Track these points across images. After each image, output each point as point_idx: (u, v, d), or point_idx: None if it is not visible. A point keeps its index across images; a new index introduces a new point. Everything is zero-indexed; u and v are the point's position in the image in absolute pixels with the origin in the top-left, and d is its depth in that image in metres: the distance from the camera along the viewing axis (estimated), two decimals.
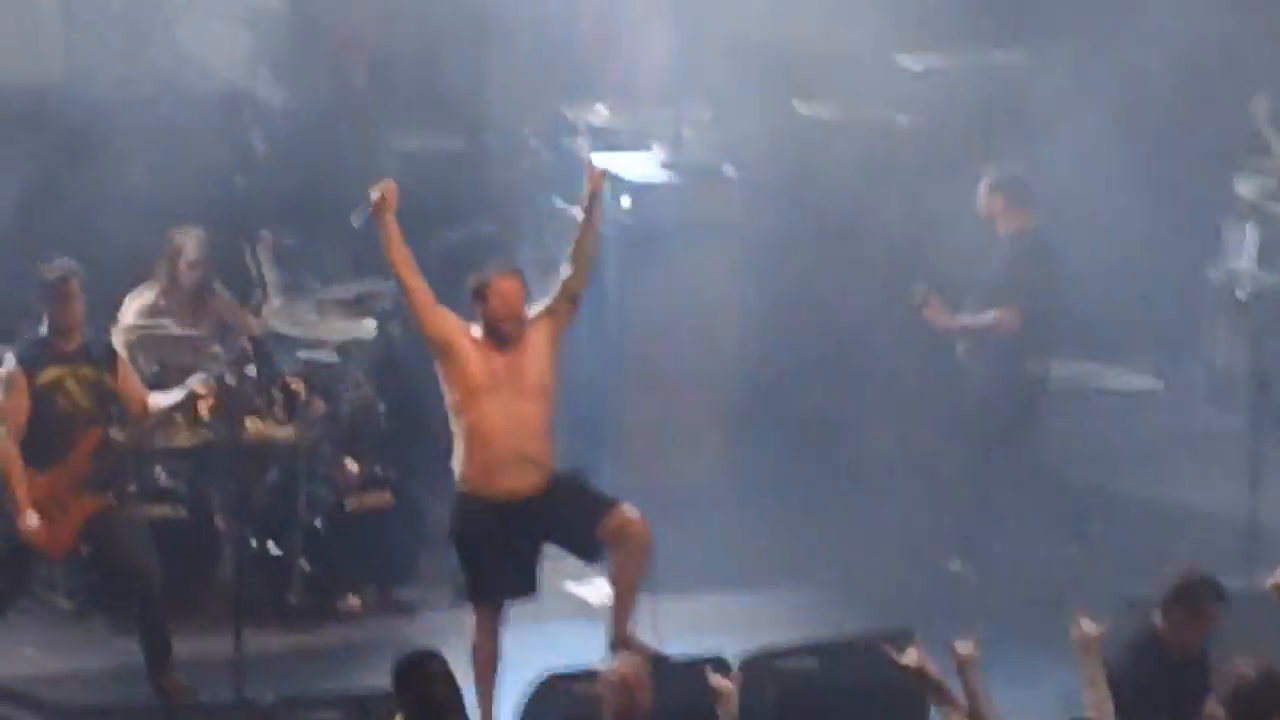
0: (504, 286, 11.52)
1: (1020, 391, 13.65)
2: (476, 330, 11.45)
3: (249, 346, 13.43)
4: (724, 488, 14.05)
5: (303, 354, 13.73)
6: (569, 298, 11.68)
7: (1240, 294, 14.96)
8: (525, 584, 11.55)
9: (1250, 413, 13.87)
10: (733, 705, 9.82)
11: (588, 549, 11.66)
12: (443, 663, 9.64)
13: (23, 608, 12.46)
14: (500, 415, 11.45)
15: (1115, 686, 9.44)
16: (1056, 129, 14.32)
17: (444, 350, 11.49)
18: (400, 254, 11.55)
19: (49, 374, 12.12)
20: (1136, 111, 14.61)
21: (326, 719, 10.16)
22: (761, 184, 14.21)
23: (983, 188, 13.67)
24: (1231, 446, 14.05)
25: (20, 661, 12.25)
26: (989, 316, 13.54)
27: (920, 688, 9.73)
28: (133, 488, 12.81)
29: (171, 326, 13.52)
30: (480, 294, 11.40)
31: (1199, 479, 14.51)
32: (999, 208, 13.54)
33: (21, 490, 11.86)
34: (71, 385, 12.20)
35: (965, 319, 13.57)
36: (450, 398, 11.52)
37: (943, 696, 9.68)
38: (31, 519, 11.77)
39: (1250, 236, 15.53)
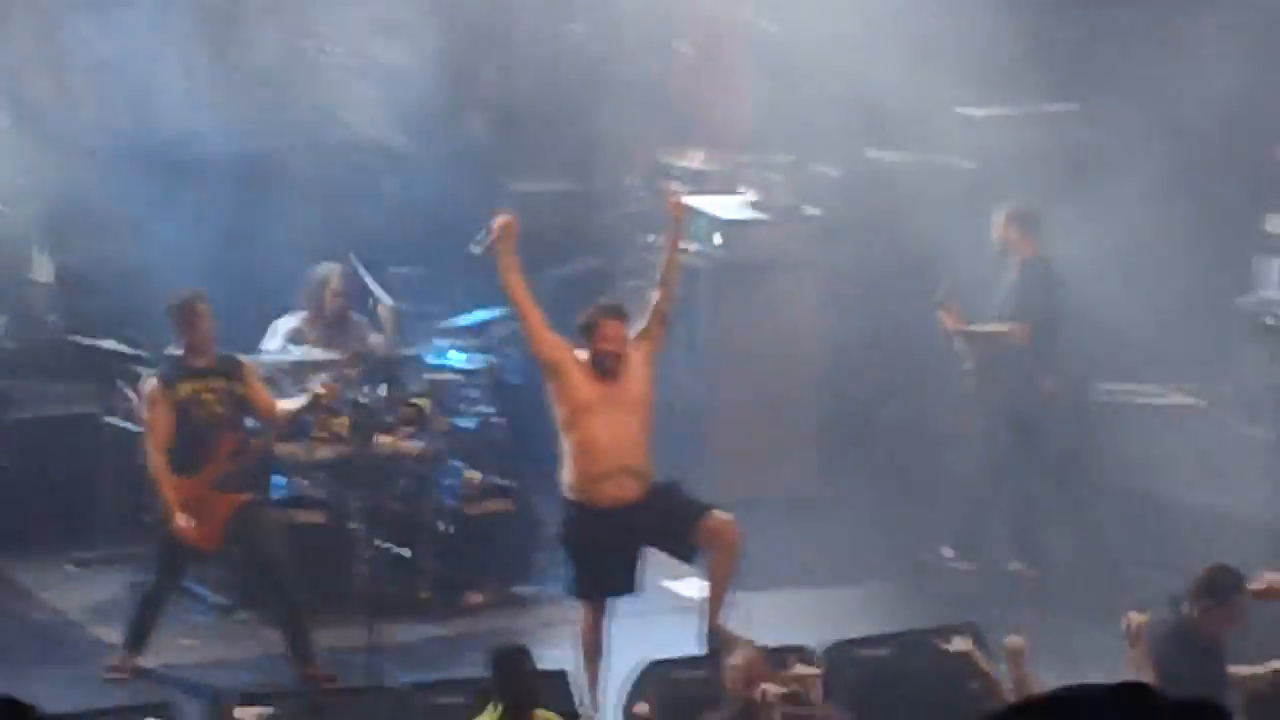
0: (609, 328, 11.35)
1: (1030, 404, 13.24)
2: (583, 353, 11.17)
3: (381, 369, 13.14)
4: (807, 495, 13.82)
5: (428, 375, 13.26)
6: (659, 318, 11.41)
7: (1270, 320, 14.02)
8: (626, 583, 11.29)
9: (1278, 426, 13.57)
10: (817, 690, 9.77)
11: (684, 551, 11.37)
12: (528, 656, 9.95)
13: (181, 605, 12.14)
14: (603, 430, 11.23)
15: (1157, 670, 9.14)
16: (1105, 173, 13.77)
17: (554, 371, 11.23)
18: (517, 283, 11.29)
19: (185, 388, 11.97)
20: (1177, 157, 13.77)
21: (453, 702, 9.97)
22: (838, 222, 14.00)
23: (998, 218, 13.26)
24: (1262, 456, 13.45)
25: (181, 651, 11.86)
26: (997, 326, 13.20)
27: (970, 673, 9.96)
28: (277, 495, 12.78)
29: (314, 351, 13.08)
30: (588, 330, 11.21)
31: (1234, 486, 13.52)
32: (1013, 236, 13.23)
33: (172, 494, 11.66)
34: (207, 396, 12.03)
35: (974, 326, 13.28)
36: (559, 414, 11.30)
37: (987, 682, 9.85)
38: (182, 519, 11.52)
39: (1276, 269, 14.78)
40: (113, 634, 11.99)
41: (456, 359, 13.84)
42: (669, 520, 11.29)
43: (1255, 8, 14.10)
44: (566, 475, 11.22)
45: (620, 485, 11.16)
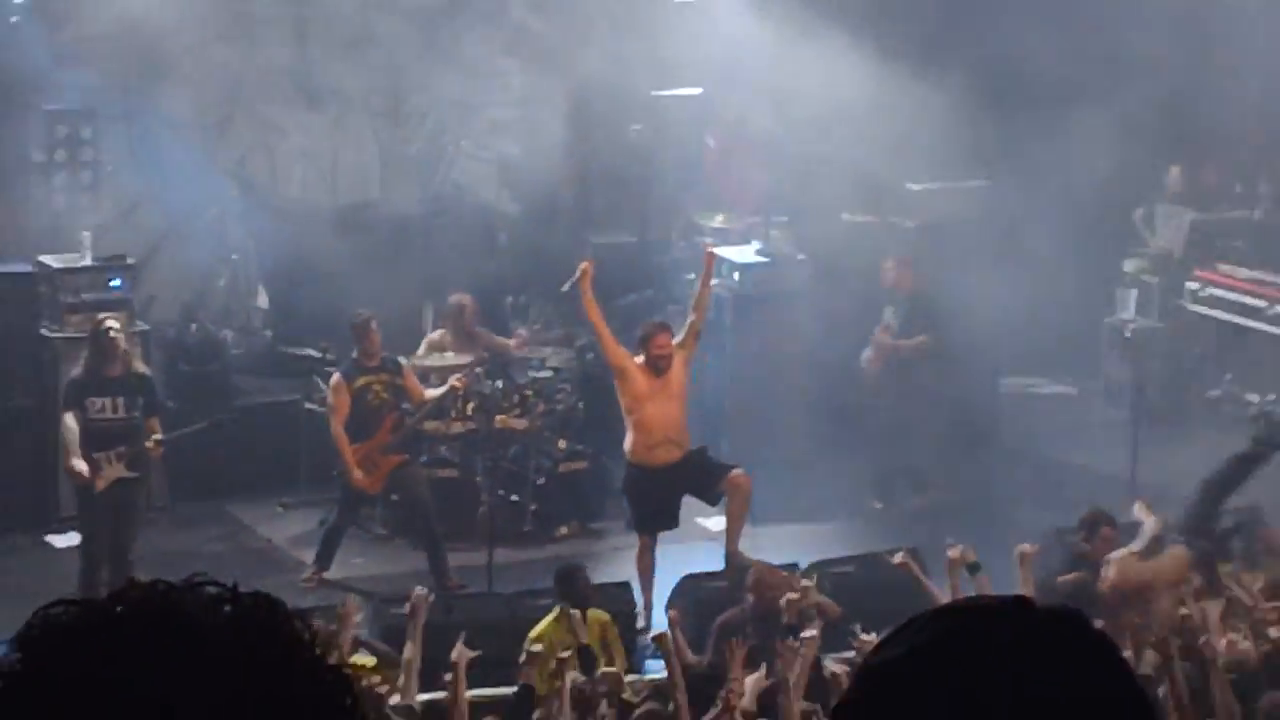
0: (660, 339, 12.01)
1: (934, 392, 13.81)
2: (640, 358, 11.92)
3: (499, 367, 13.89)
4: (799, 459, 13.83)
5: (531, 372, 13.86)
6: (694, 334, 12.07)
7: (1127, 334, 15.01)
8: (670, 520, 11.95)
9: (1131, 410, 13.94)
10: (811, 596, 10.50)
11: (711, 497, 12.02)
12: (583, 572, 10.76)
13: (354, 534, 12.90)
14: (655, 413, 11.95)
15: (1040, 589, 9.88)
16: (1011, 229, 14.37)
17: (619, 372, 12.01)
18: (593, 309, 11.98)
19: (360, 381, 12.57)
20: (1064, 218, 14.39)
21: (545, 604, 10.45)
22: (822, 266, 14.26)
23: (887, 263, 13.96)
24: (1119, 430, 14.05)
25: (353, 568, 12.66)
26: (911, 341, 13.65)
27: (913, 583, 10.43)
28: (424, 458, 13.15)
29: (450, 355, 13.66)
30: (644, 340, 11.91)
31: (1099, 450, 14.42)
32: (900, 275, 13.78)
33: (350, 456, 12.29)
34: (376, 387, 12.62)
35: (900, 342, 13.77)
36: (623, 402, 12.09)
37: (922, 588, 10.34)
38: (357, 473, 12.24)
39: (1132, 297, 15.46)
40: (307, 555, 12.75)
41: (554, 360, 14.47)
42: (701, 475, 12.00)
43: (1123, 104, 14.17)
44: (628, 444, 12.01)
45: (667, 451, 11.90)
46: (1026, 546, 10.40)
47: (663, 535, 12.16)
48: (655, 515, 12.15)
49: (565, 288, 12.37)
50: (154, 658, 1.36)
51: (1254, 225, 15.47)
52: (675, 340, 12.36)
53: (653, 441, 12.10)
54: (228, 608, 1.34)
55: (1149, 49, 14.31)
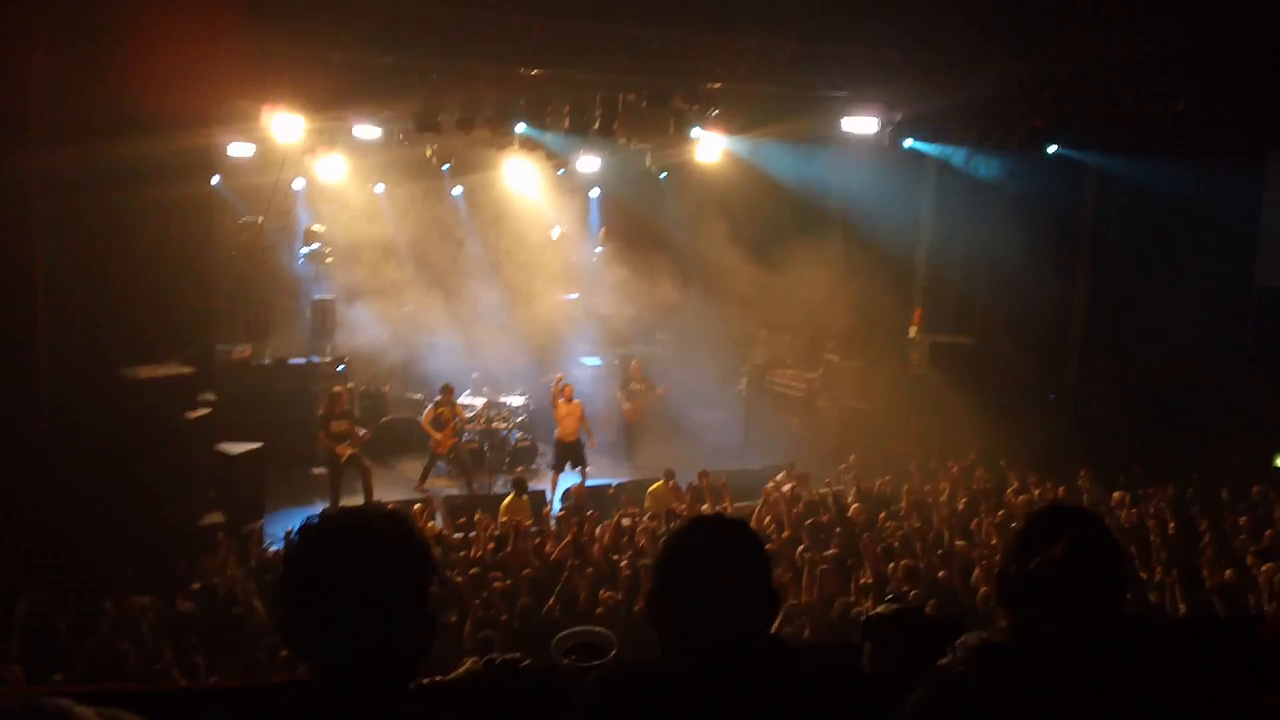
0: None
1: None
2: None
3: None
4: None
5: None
6: None
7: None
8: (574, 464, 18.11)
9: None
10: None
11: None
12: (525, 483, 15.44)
13: (435, 470, 18.43)
14: (565, 417, 18.38)
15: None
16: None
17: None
18: None
19: (443, 407, 18.39)
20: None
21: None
22: None
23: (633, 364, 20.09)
24: None
25: (435, 485, 17.86)
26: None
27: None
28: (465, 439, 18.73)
29: (478, 399, 20.45)
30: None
31: None
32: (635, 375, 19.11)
33: (436, 436, 18.04)
34: (444, 410, 18.30)
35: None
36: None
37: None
38: (444, 444, 18.01)
39: None
40: (414, 476, 17.99)
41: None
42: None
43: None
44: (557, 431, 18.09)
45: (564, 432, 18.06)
46: (716, 476, 14.82)
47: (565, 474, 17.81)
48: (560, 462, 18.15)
49: None
50: (362, 538, 2.45)
51: None
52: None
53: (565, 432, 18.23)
54: (386, 514, 2.51)
55: None
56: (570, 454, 18.21)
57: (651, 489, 15.57)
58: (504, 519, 14.54)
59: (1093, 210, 18.73)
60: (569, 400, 18.25)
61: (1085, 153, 18.14)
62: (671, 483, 15.63)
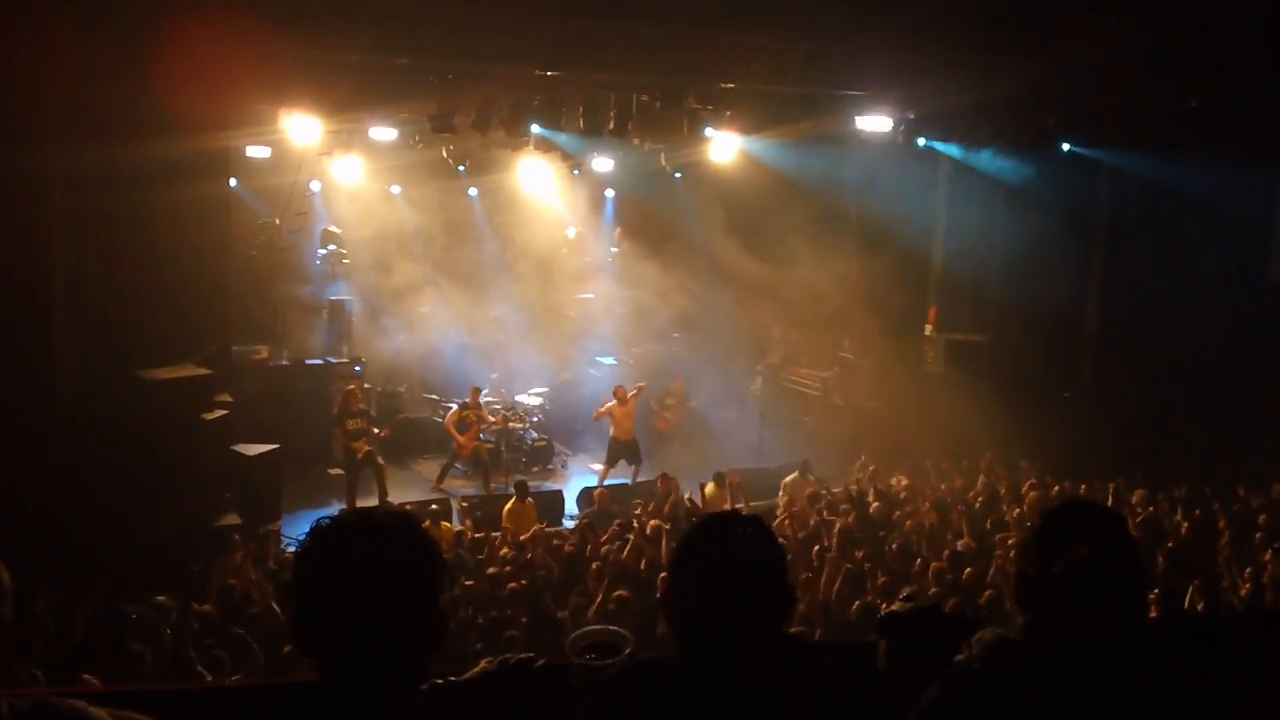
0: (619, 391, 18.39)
1: None
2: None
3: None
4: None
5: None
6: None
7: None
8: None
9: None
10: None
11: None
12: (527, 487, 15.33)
13: (453, 470, 18.44)
14: (623, 419, 18.41)
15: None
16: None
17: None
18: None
19: (468, 410, 18.56)
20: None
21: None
22: None
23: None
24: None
25: (451, 484, 17.96)
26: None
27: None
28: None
29: (496, 400, 20.62)
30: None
31: None
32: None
33: (459, 438, 18.22)
34: (469, 414, 18.61)
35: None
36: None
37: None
38: (466, 447, 18.20)
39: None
40: (431, 477, 18.00)
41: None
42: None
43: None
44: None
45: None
46: (733, 474, 14.29)
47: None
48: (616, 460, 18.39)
49: None
50: (373, 537, 2.49)
51: None
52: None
53: (622, 432, 18.09)
54: (396, 514, 2.54)
55: None
56: (625, 451, 18.44)
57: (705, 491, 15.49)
58: (506, 525, 14.54)
59: (1107, 207, 18.72)
60: (622, 402, 18.45)
61: (1098, 150, 18.15)
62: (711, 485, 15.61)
